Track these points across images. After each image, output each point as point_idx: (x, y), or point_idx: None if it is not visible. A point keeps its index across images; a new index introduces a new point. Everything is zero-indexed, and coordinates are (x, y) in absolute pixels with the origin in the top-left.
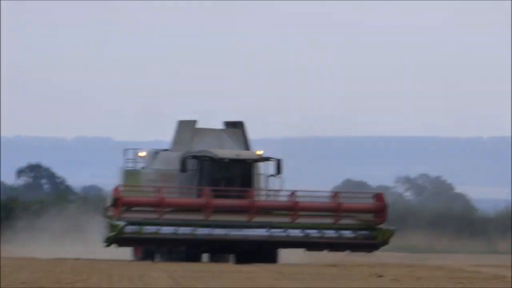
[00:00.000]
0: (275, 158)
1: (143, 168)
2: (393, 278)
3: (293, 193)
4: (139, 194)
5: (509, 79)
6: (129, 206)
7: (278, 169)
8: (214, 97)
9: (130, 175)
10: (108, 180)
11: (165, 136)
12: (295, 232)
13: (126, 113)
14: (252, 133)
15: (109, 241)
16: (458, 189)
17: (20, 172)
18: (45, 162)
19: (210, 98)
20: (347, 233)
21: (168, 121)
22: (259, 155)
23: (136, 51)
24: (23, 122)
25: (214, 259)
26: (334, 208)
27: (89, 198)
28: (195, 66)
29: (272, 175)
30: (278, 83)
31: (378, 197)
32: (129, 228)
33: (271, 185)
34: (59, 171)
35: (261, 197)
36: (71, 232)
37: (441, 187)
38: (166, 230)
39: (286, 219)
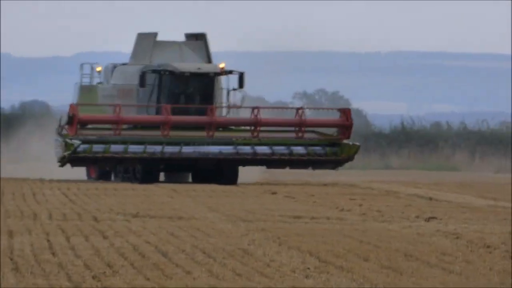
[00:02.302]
0: (237, 71)
1: (99, 83)
2: (286, 195)
3: (255, 109)
4: (96, 112)
5: None
6: (84, 124)
7: (241, 83)
8: (175, 9)
9: (86, 91)
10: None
11: (124, 49)
12: (259, 149)
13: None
14: (213, 46)
15: (63, 161)
16: (355, 104)
17: None
18: None
19: (172, 11)
20: (313, 149)
21: (128, 34)
22: (221, 68)
23: None
24: None
25: (171, 178)
26: (298, 123)
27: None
28: None
29: (234, 89)
30: None
31: (344, 112)
32: (81, 147)
33: (233, 100)
34: None
35: (222, 113)
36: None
37: (338, 103)
38: (117, 148)
39: (247, 136)
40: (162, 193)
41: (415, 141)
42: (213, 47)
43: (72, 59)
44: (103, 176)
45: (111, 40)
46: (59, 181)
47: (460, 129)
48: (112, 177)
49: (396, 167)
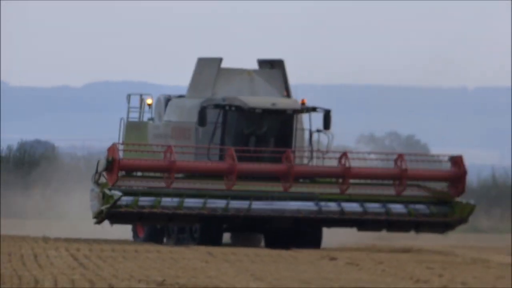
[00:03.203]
0: (322, 108)
1: (150, 119)
2: (348, 262)
3: (344, 155)
4: (144, 155)
5: None
6: (128, 170)
7: (327, 123)
8: (244, 31)
9: (133, 129)
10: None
11: (183, 80)
12: (348, 206)
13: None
14: (291, 76)
15: (101, 216)
16: (434, 151)
17: None
18: None
19: (239, 33)
20: (414, 208)
21: (187, 61)
22: (302, 103)
23: None
24: None
25: (238, 240)
26: (398, 175)
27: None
28: None
29: (319, 131)
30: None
31: (456, 161)
32: (124, 200)
33: (317, 144)
34: None
35: (303, 160)
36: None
37: (414, 148)
38: (168, 202)
39: (334, 189)
40: (194, 257)
41: (510, 198)
42: (297, 79)
43: (84, 90)
44: (154, 236)
45: (164, 70)
46: (67, 239)
47: None
48: (165, 239)
49: (485, 230)
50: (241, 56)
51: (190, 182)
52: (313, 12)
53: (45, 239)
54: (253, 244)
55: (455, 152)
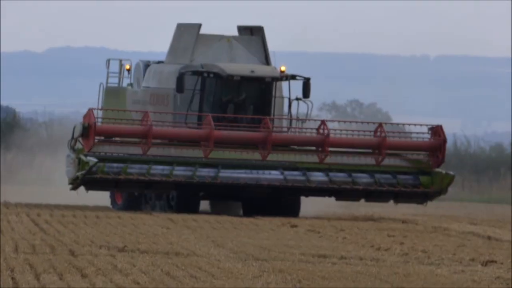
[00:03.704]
0: (302, 76)
1: (129, 85)
2: (310, 229)
3: (322, 124)
4: (121, 121)
5: None
6: (105, 136)
7: (306, 91)
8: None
9: (112, 94)
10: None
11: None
12: (323, 176)
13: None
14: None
15: (76, 182)
16: (396, 119)
17: None
18: None
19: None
20: (403, 178)
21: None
22: (282, 71)
23: None
24: None
25: (217, 208)
26: (378, 144)
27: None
28: None
29: (298, 99)
30: None
31: (436, 130)
32: (98, 166)
33: (296, 112)
34: None
35: (282, 128)
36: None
37: (376, 117)
38: (140, 169)
39: (312, 158)
40: (155, 223)
41: (471, 167)
42: (275, 46)
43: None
44: (132, 203)
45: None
46: (28, 205)
47: None
48: (143, 206)
49: (447, 198)
50: (221, 23)
51: (167, 148)
52: None
53: (6, 205)
54: (232, 212)
55: (417, 120)
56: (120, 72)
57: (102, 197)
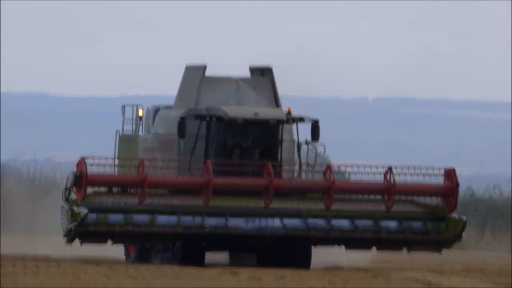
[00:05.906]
0: (310, 118)
1: (143, 132)
2: (250, 276)
3: (328, 168)
4: (132, 170)
5: None
6: (97, 186)
7: (315, 134)
8: (232, 37)
9: (126, 142)
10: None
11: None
12: (334, 223)
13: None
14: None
15: (71, 235)
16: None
17: None
18: None
19: (228, 38)
20: (410, 225)
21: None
22: (288, 113)
23: None
24: None
25: (235, 260)
26: (387, 189)
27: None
28: None
29: (307, 142)
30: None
31: (449, 174)
32: (91, 217)
33: (306, 157)
34: None
35: (287, 174)
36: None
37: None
38: (140, 219)
39: (319, 206)
40: (95, 272)
41: None
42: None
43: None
44: (143, 255)
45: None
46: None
47: (467, 195)
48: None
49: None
50: (231, 63)
51: (165, 198)
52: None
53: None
54: (247, 263)
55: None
56: (133, 119)
57: (117, 249)
